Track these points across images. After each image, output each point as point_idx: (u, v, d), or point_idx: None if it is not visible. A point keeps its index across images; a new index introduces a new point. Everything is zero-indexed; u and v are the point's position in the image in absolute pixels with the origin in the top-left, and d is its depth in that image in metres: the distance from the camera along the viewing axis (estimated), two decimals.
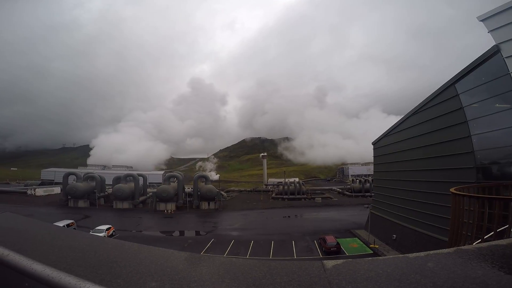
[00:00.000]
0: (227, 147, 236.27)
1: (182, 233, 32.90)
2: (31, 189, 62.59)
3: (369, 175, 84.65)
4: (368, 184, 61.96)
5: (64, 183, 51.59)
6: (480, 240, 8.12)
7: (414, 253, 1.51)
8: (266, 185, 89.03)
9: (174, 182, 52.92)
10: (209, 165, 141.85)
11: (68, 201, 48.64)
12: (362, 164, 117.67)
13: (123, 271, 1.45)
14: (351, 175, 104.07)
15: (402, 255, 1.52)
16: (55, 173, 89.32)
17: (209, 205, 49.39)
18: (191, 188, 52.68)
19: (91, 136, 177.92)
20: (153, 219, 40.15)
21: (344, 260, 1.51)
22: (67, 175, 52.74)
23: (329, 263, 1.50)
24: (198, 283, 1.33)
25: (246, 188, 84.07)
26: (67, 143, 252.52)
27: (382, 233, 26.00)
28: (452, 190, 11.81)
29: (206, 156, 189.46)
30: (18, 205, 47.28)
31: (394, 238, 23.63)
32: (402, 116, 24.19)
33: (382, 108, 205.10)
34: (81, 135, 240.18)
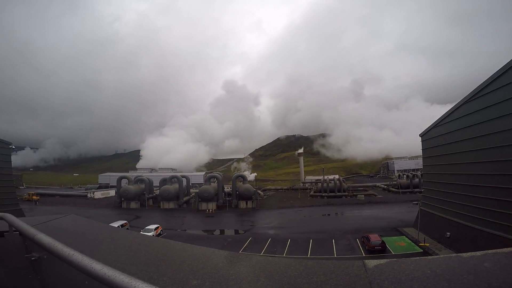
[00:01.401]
0: (262, 146, 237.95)
1: (222, 232, 34.06)
2: (90, 193, 70.64)
3: (417, 169, 77.65)
4: (416, 179, 57.02)
5: (118, 186, 57.09)
6: None
7: (469, 252, 1.40)
8: (303, 183, 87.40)
9: (214, 182, 55.12)
10: (245, 165, 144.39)
11: (121, 202, 53.84)
12: (409, 158, 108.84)
13: (169, 269, 1.58)
14: (397, 170, 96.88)
15: (455, 254, 1.42)
16: (110, 177, 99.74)
17: (247, 204, 50.34)
18: (230, 187, 54.32)
19: (139, 141, 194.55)
20: (196, 219, 42.27)
21: (388, 260, 1.47)
22: (120, 179, 57.97)
23: (371, 263, 1.46)
24: (235, 281, 1.40)
25: (283, 187, 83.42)
26: (119, 149, 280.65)
27: (434, 231, 23.94)
28: None
29: (242, 156, 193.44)
30: (80, 207, 53.94)
31: (447, 236, 21.71)
32: (453, 105, 21.93)
33: (424, 98, 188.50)
34: (131, 142, 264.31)
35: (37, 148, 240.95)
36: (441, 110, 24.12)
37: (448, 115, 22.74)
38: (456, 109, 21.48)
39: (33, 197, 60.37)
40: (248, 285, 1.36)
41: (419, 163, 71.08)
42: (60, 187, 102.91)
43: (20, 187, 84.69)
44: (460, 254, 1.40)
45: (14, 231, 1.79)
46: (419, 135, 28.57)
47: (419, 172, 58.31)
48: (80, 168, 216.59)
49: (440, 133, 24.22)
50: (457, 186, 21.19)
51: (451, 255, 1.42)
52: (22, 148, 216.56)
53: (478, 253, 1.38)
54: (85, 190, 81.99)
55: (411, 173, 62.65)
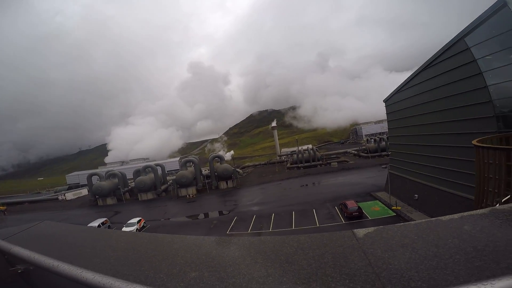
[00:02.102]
0: (237, 124, 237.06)
1: (206, 215, 34.35)
2: (61, 195, 66.46)
3: (383, 133, 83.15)
4: (383, 143, 60.78)
5: (89, 184, 54.30)
6: (509, 196, 7.83)
7: (447, 216, 1.47)
8: (280, 156, 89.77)
9: (190, 166, 54.40)
10: (220, 145, 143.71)
11: (97, 200, 51.54)
12: (375, 123, 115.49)
13: (163, 264, 1.51)
14: (365, 135, 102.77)
15: (435, 218, 1.48)
16: (79, 176, 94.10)
17: (227, 184, 50.87)
18: (208, 170, 54.11)
19: (104, 135, 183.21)
20: (178, 206, 41.98)
21: (375, 228, 1.51)
22: (90, 176, 55.15)
23: (360, 232, 1.50)
24: (234, 267, 1.39)
25: (261, 162, 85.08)
26: (83, 146, 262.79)
27: (403, 194, 25.76)
28: (474, 142, 11.29)
29: (217, 136, 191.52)
30: (53, 211, 50.82)
31: (416, 198, 23.31)
32: (412, 72, 23.25)
33: (384, 67, 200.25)
34: (95, 137, 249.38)
35: None
36: (399, 77, 25.62)
37: (408, 81, 23.91)
38: (415, 76, 22.71)
39: (0, 207, 55.87)
40: (247, 268, 1.35)
41: (384, 127, 75.96)
42: (26, 194, 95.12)
43: None
44: (440, 218, 1.47)
45: None
46: (383, 100, 29.76)
47: (385, 135, 62.45)
48: (44, 171, 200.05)
49: (402, 98, 25.50)
50: (420, 147, 22.71)
51: (432, 219, 1.46)
52: None
53: (456, 216, 1.46)
54: (55, 192, 76.88)
55: (377, 137, 66.20)
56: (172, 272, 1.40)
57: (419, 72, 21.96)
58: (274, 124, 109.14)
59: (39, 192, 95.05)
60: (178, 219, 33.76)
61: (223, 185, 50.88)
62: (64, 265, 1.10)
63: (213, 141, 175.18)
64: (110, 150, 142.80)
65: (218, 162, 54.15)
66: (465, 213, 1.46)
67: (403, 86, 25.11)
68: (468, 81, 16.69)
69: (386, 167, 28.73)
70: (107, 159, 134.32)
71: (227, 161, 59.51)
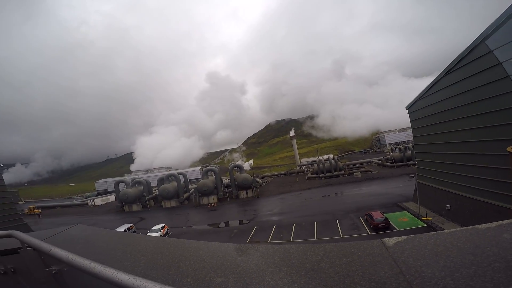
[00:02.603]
0: (255, 134, 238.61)
1: (227, 224, 34.44)
2: (90, 200, 69.97)
3: (408, 141, 79.49)
4: (409, 152, 58.19)
5: (116, 191, 56.71)
6: None
7: (484, 224, 1.43)
8: (299, 165, 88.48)
9: (211, 175, 55.19)
10: (239, 155, 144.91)
11: (123, 206, 53.74)
12: (399, 131, 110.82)
13: (190, 269, 1.56)
14: (389, 143, 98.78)
15: (471, 227, 1.44)
16: (107, 183, 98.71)
17: (247, 193, 50.97)
18: (228, 179, 54.62)
19: (130, 144, 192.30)
20: (199, 214, 42.56)
21: (406, 237, 1.48)
22: (117, 183, 57.50)
23: (390, 241, 1.47)
24: (258, 274, 1.39)
25: (280, 172, 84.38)
26: (110, 154, 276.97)
27: (434, 204, 24.39)
28: (509, 149, 10.63)
29: (236, 146, 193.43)
30: (83, 216, 53.63)
31: (448, 208, 22.06)
32: (434, 77, 22.40)
33: (403, 72, 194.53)
34: (121, 145, 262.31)
35: (28, 163, 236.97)
36: (418, 83, 24.75)
37: (431, 86, 22.97)
38: (438, 81, 21.83)
39: (35, 210, 60.16)
40: (272, 275, 1.35)
41: (409, 135, 72.69)
42: (59, 198, 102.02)
43: (19, 202, 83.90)
44: (476, 226, 1.41)
45: (27, 247, 1.78)
46: (406, 107, 28.63)
47: (411, 144, 59.68)
48: (75, 177, 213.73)
49: (426, 104, 24.44)
50: (450, 155, 21.50)
51: (468, 228, 1.43)
52: (12, 165, 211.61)
53: (493, 224, 1.40)
54: (85, 198, 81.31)
55: (403, 146, 63.46)
56: (199, 277, 1.45)
57: (442, 77, 21.19)
58: (292, 133, 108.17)
59: (71, 197, 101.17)
60: (200, 227, 34.23)
61: (243, 194, 51.06)
62: (101, 266, 1.14)
63: (232, 151, 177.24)
64: (136, 158, 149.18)
65: (238, 171, 54.60)
66: (504, 221, 1.41)
67: (426, 92, 24.17)
68: (495, 85, 15.91)
69: (413, 177, 27.33)
70: (132, 167, 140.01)
71: (246, 171, 59.81)
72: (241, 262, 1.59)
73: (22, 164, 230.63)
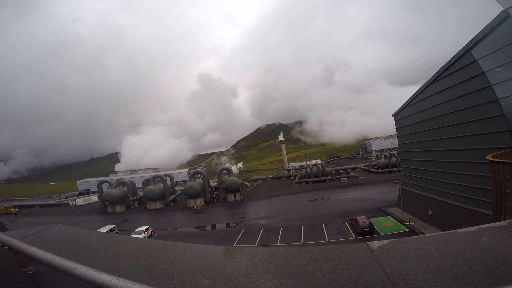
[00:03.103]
0: (244, 137, 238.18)
1: (213, 226, 34.10)
2: (71, 200, 67.63)
3: (393, 148, 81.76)
4: (394, 159, 59.68)
5: (99, 191, 55.01)
6: None
7: (464, 228, 1.47)
8: (288, 170, 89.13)
9: (199, 178, 54.57)
10: (227, 158, 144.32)
11: (106, 207, 52.12)
12: (385, 138, 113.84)
13: (176, 271, 1.53)
14: (375, 150, 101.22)
15: (451, 231, 1.49)
16: (89, 182, 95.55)
17: (235, 196, 50.62)
18: (216, 182, 54.15)
19: (115, 144, 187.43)
20: (185, 216, 41.92)
21: (390, 240, 1.51)
22: (100, 184, 55.86)
23: (375, 244, 1.51)
24: (246, 276, 1.40)
25: (268, 176, 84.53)
26: (94, 153, 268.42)
27: (417, 210, 25.10)
28: (488, 157, 11.11)
29: (225, 149, 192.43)
30: (64, 216, 51.60)
31: (430, 213, 22.76)
32: (420, 86, 23.14)
33: (389, 80, 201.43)
34: (106, 145, 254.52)
35: (7, 160, 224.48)
36: (405, 91, 25.61)
37: (417, 95, 23.59)
38: (423, 90, 22.46)
39: (12, 209, 57.60)
40: (259, 278, 1.36)
41: (394, 142, 74.68)
42: (38, 197, 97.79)
43: None
44: (456, 230, 1.47)
45: (2, 246, 1.70)
46: (392, 115, 29.25)
47: (396, 151, 61.40)
48: (56, 176, 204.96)
49: (411, 112, 25.09)
50: (433, 163, 22.19)
51: (448, 232, 1.48)
52: None
53: (473, 228, 1.46)
54: (66, 198, 78.38)
55: (388, 153, 65.12)
56: (185, 280, 1.43)
57: (427, 86, 21.78)
58: (281, 137, 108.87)
59: (51, 197, 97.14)
60: (186, 229, 33.66)
61: (231, 197, 50.67)
62: (82, 267, 1.11)
63: (220, 154, 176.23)
64: (122, 158, 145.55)
65: (226, 174, 54.26)
66: (483, 226, 1.47)
67: (411, 100, 24.83)
68: (478, 94, 16.39)
69: (397, 183, 28.12)
70: (117, 167, 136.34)
71: (234, 174, 59.61)
72: (229, 264, 1.57)
73: (1, 160, 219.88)
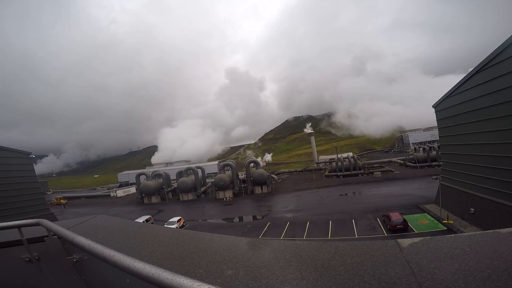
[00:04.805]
0: (272, 130, 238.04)
1: (241, 219, 34.87)
2: (113, 192, 73.73)
3: (433, 141, 75.42)
4: (434, 152, 55.37)
5: (137, 183, 59.06)
6: None
7: (507, 229, 1.37)
8: (317, 163, 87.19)
9: (228, 170, 55.97)
10: (252, 152, 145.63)
11: (143, 198, 55.92)
12: (424, 130, 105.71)
13: (203, 261, 1.61)
14: (412, 143, 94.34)
15: (492, 230, 1.39)
16: (128, 175, 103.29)
17: (262, 189, 51.09)
18: (244, 174, 55.03)
19: (152, 138, 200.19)
20: (215, 208, 43.43)
21: (422, 238, 1.46)
22: (138, 176, 59.81)
23: (405, 242, 1.46)
24: (267, 268, 1.42)
25: (296, 169, 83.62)
26: (133, 147, 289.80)
27: (457, 207, 23.31)
28: None
29: (253, 142, 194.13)
30: (105, 206, 56.62)
31: (472, 212, 21.11)
32: (458, 75, 21.04)
33: (425, 71, 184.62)
34: (143, 139, 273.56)
35: (60, 154, 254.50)
36: (442, 81, 23.22)
37: (461, 84, 21.73)
38: (468, 79, 20.59)
39: (61, 201, 63.90)
40: (281, 270, 1.37)
41: (434, 134, 69.04)
42: (84, 189, 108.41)
43: (47, 192, 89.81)
44: (498, 230, 1.37)
45: (53, 235, 1.86)
46: (432, 106, 27.38)
47: (436, 144, 56.61)
48: (99, 169, 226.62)
49: (454, 103, 23.16)
50: (478, 157, 20.39)
51: (488, 231, 1.39)
52: (45, 156, 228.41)
53: None
54: (108, 189, 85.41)
55: (427, 146, 60.59)
56: (211, 269, 1.50)
57: (472, 76, 19.96)
58: (308, 129, 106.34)
59: (95, 189, 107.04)
60: (215, 221, 34.92)
61: (258, 190, 51.22)
62: (119, 255, 1.17)
63: (248, 147, 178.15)
64: (159, 150, 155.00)
65: (254, 167, 54.82)
66: None
67: (455, 90, 22.88)
68: None
69: (437, 178, 26.08)
70: (153, 160, 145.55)
71: (262, 166, 59.89)
72: (252, 256, 1.62)
73: (54, 155, 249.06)
